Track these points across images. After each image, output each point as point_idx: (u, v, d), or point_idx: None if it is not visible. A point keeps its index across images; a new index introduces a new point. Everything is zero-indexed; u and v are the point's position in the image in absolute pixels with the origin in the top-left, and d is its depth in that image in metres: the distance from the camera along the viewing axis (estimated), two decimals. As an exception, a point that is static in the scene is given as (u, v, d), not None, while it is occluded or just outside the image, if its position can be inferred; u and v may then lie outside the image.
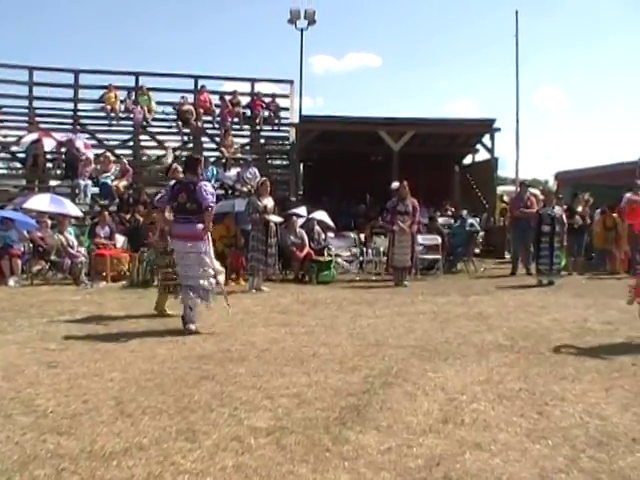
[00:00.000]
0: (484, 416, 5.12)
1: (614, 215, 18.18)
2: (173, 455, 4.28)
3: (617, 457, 4.31)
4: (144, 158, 25.83)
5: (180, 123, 24.51)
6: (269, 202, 13.61)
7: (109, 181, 20.58)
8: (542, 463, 4.20)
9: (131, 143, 25.04)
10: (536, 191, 20.42)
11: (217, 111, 25.60)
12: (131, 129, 24.76)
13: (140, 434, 4.64)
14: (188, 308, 8.77)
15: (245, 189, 19.33)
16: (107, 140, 24.65)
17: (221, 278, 9.23)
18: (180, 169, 9.70)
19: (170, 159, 16.09)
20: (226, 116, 25.23)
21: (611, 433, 4.77)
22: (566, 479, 3.98)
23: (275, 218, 13.73)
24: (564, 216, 15.24)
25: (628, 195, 17.12)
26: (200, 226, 8.70)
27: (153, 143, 25.39)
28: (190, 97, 25.55)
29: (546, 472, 4.06)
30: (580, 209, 17.71)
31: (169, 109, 25.73)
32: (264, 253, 13.37)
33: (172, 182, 9.30)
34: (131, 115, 24.62)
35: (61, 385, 5.92)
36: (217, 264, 9.22)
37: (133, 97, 25.14)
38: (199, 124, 24.69)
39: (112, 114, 24.57)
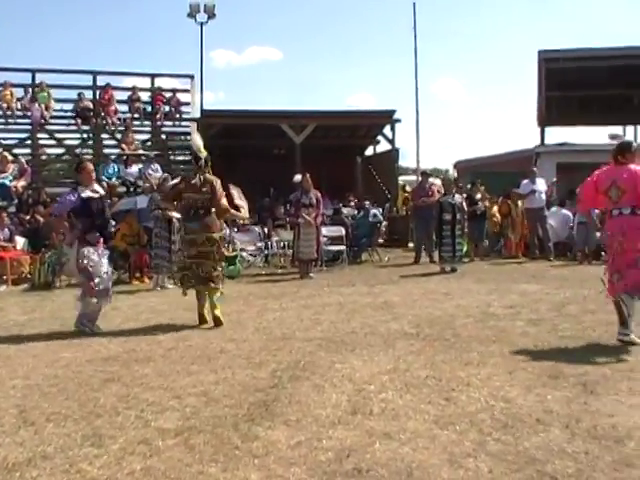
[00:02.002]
0: (392, 405, 5.15)
1: (508, 202, 18.64)
2: (79, 462, 4.15)
3: (522, 438, 4.39)
4: (43, 157, 25.04)
5: (79, 120, 23.92)
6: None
7: (7, 182, 19.86)
8: (451, 449, 4.24)
9: (29, 142, 24.22)
10: (437, 180, 20.73)
11: (120, 107, 25.08)
12: (29, 127, 23.97)
13: (44, 442, 4.49)
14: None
15: (147, 185, 19.02)
16: (4, 139, 23.81)
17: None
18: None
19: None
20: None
21: (516, 415, 4.86)
22: (474, 463, 4.02)
23: (178, 214, 13.54)
24: (464, 204, 15.55)
25: (524, 182, 17.56)
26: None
27: (52, 141, 24.65)
28: (89, 93, 24.97)
29: (455, 457, 4.11)
30: (479, 196, 18.08)
31: (68, 106, 25.06)
32: (168, 250, 13.19)
33: None
34: (28, 113, 23.86)
35: (-42, 395, 5.69)
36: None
37: (30, 94, 24.36)
38: (99, 121, 24.15)
39: (8, 112, 23.77)
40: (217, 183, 9.04)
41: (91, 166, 9.17)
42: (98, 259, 8.63)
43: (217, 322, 8.79)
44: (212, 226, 8.99)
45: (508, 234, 18.64)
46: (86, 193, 8.72)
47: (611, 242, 7.50)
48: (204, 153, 9.25)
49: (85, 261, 8.54)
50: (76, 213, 8.69)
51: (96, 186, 9.10)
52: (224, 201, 9.19)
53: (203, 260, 8.87)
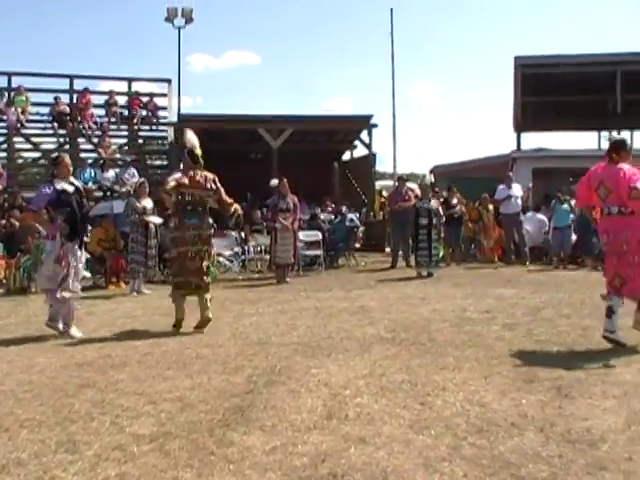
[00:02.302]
0: (368, 410, 5.15)
1: (479, 207, 18.74)
2: (53, 469, 4.11)
3: (497, 442, 4.41)
4: (19, 161, 24.90)
5: (56, 124, 23.77)
6: (148, 203, 13.42)
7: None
8: (426, 453, 4.24)
9: (5, 146, 24.07)
10: (414, 185, 20.80)
11: (96, 112, 24.95)
12: (4, 131, 23.82)
13: (18, 449, 4.44)
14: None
15: (124, 190, 18.94)
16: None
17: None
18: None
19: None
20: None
21: (491, 419, 4.87)
22: (449, 467, 4.03)
23: (155, 219, 13.52)
24: (440, 209, 15.61)
25: (500, 187, 17.66)
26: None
27: (28, 145, 24.49)
28: (65, 97, 24.82)
29: (430, 462, 4.11)
30: (455, 201, 18.15)
31: (44, 110, 24.87)
32: (144, 255, 13.16)
33: None
34: (4, 117, 23.68)
35: None
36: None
37: (6, 98, 24.17)
38: (75, 125, 24.01)
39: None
40: (217, 180, 9.08)
41: (68, 159, 9.12)
42: (78, 256, 8.69)
43: (203, 325, 8.68)
44: (209, 224, 9.12)
45: (480, 239, 18.74)
46: (61, 185, 8.66)
47: (606, 241, 7.55)
48: (199, 151, 9.22)
49: (69, 255, 8.55)
50: (53, 206, 8.59)
51: (72, 179, 9.05)
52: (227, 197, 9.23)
53: (199, 259, 8.77)
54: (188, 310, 8.94)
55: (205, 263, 8.79)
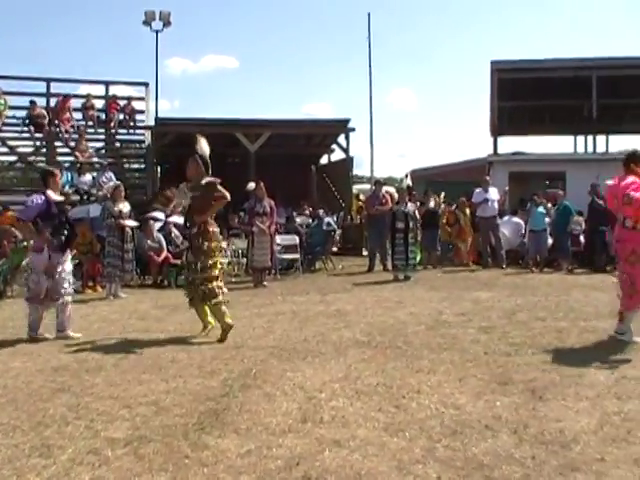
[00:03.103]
0: (343, 413, 5.16)
1: (455, 211, 18.82)
2: (27, 473, 4.10)
3: (471, 444, 4.43)
4: (-5, 165, 24.73)
5: (32, 128, 23.59)
6: (124, 207, 13.35)
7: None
8: (400, 456, 4.26)
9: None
10: (391, 189, 20.85)
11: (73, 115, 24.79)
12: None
13: (-8, 454, 4.42)
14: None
15: (101, 194, 18.82)
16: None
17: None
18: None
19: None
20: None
21: (465, 421, 4.90)
22: (423, 469, 4.05)
23: (131, 223, 13.47)
24: (417, 212, 15.65)
25: (477, 191, 17.71)
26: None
27: (4, 149, 24.26)
28: (42, 101, 24.65)
29: (404, 464, 4.13)
30: (432, 204, 18.19)
31: (21, 113, 24.65)
32: (120, 259, 13.10)
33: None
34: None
35: None
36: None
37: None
38: (52, 128, 23.85)
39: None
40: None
41: (59, 173, 9.21)
42: (67, 269, 8.75)
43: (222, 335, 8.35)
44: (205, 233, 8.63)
45: (458, 243, 18.81)
46: (56, 197, 8.69)
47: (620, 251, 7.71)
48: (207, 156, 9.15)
49: (58, 267, 8.59)
50: (42, 217, 8.52)
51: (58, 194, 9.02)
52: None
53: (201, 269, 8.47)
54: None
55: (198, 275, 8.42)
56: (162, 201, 9.00)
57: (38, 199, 8.57)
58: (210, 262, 8.39)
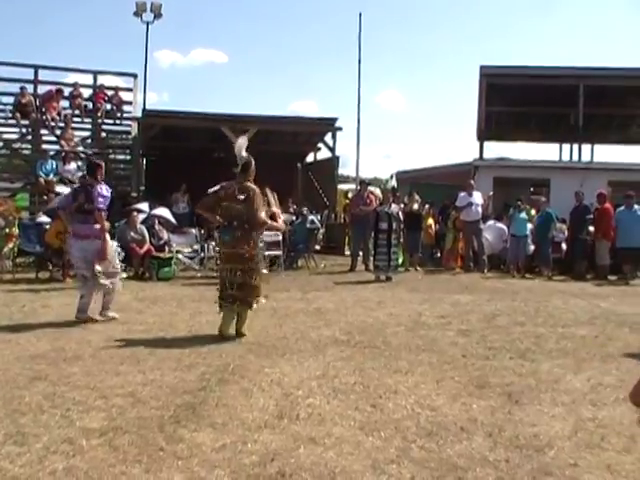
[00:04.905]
0: (319, 410, 5.17)
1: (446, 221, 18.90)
2: (0, 460, 4.09)
3: (446, 446, 4.45)
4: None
5: (19, 115, 23.40)
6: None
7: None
8: (375, 455, 4.28)
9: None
10: (377, 190, 20.87)
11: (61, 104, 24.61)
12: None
13: (-34, 441, 4.40)
14: (80, 297, 9.12)
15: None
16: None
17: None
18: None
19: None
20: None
21: (441, 423, 4.92)
22: (397, 469, 4.06)
23: None
24: (401, 214, 15.67)
25: (461, 195, 17.77)
26: (97, 226, 9.11)
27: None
28: (29, 87, 24.46)
29: (378, 463, 4.14)
30: (416, 206, 18.19)
31: (7, 99, 24.42)
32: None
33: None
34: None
35: None
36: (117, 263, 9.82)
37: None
38: (38, 116, 23.67)
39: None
40: (256, 192, 8.32)
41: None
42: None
43: (240, 335, 8.21)
44: (242, 241, 8.19)
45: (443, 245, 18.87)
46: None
47: None
48: (245, 156, 8.68)
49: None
50: (108, 207, 9.42)
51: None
52: (262, 213, 8.36)
53: (240, 276, 8.17)
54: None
55: (248, 280, 8.18)
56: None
57: (107, 191, 9.32)
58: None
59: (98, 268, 9.07)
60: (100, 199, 9.10)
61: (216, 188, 8.64)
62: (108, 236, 9.46)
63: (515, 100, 24.47)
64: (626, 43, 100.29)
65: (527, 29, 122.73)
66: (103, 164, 9.91)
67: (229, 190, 8.38)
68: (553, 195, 21.03)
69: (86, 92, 25.48)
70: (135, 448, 4.32)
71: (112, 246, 9.77)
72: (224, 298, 8.20)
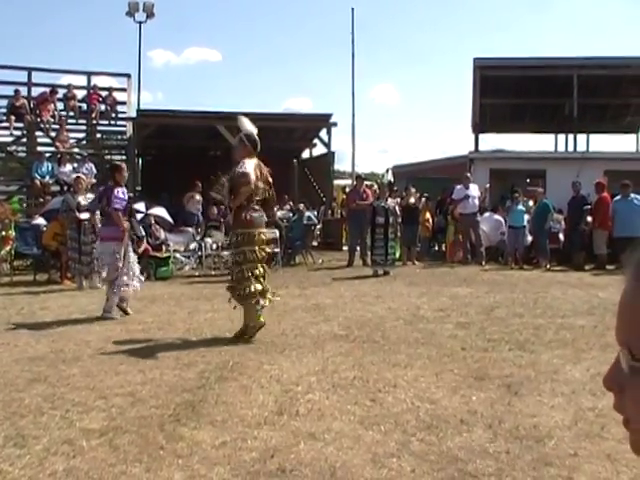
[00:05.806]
0: (319, 406, 5.17)
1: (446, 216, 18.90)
2: (1, 463, 4.09)
3: (446, 438, 4.45)
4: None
5: (13, 118, 23.36)
6: (84, 199, 13.15)
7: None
8: (375, 449, 4.27)
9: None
10: (373, 184, 20.87)
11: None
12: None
13: (-34, 444, 4.39)
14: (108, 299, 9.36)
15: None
16: None
17: None
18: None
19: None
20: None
21: (440, 416, 4.92)
22: (397, 462, 4.06)
23: (84, 215, 13.15)
24: (397, 208, 15.67)
25: (458, 187, 17.77)
26: (116, 228, 9.48)
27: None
28: (23, 90, 24.42)
29: (378, 457, 4.14)
30: (412, 200, 18.18)
31: (1, 102, 24.34)
32: (77, 251, 12.97)
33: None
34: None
35: None
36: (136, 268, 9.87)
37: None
38: (33, 118, 23.63)
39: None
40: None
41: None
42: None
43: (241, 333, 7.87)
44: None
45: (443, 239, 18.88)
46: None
47: None
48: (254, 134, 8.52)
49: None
50: (124, 210, 9.76)
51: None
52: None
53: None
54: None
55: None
56: (218, 188, 8.44)
57: (124, 194, 9.67)
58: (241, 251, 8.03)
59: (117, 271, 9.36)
60: (116, 200, 9.41)
61: (248, 170, 8.14)
62: (127, 237, 9.76)
63: (509, 92, 24.45)
64: (623, 36, 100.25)
65: (523, 23, 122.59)
66: (124, 166, 10.19)
67: (262, 170, 8.42)
68: (549, 186, 20.99)
69: (80, 93, 25.46)
70: (135, 447, 4.32)
71: (130, 250, 9.91)
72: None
